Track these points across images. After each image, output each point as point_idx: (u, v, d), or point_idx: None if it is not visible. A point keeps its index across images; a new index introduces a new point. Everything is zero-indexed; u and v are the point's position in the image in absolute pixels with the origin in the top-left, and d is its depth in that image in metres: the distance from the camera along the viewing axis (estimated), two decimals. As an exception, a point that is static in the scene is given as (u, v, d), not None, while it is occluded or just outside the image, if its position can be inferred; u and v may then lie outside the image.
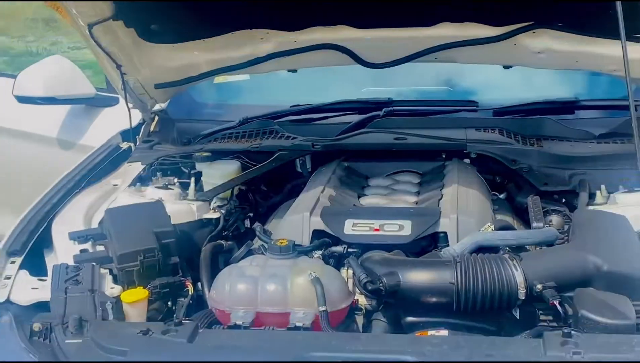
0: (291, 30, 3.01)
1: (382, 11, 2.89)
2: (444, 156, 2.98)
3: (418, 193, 2.77)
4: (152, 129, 3.25)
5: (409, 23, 2.96)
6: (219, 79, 3.44)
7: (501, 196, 2.90)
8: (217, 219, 2.69)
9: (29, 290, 2.25)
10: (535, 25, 2.90)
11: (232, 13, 2.95)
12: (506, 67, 3.19)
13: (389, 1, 2.84)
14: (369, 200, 2.75)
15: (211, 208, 2.77)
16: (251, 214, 2.85)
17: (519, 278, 2.09)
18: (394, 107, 3.17)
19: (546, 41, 2.98)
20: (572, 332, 1.87)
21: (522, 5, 2.83)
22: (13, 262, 2.36)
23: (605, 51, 2.88)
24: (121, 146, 3.18)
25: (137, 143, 3.17)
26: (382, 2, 2.85)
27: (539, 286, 2.09)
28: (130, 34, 2.92)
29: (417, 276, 2.14)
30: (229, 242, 2.60)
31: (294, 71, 3.26)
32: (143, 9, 2.84)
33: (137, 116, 3.19)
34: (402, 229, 2.40)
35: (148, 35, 2.96)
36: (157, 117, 3.31)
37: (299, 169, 3.07)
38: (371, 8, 2.88)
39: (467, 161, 2.94)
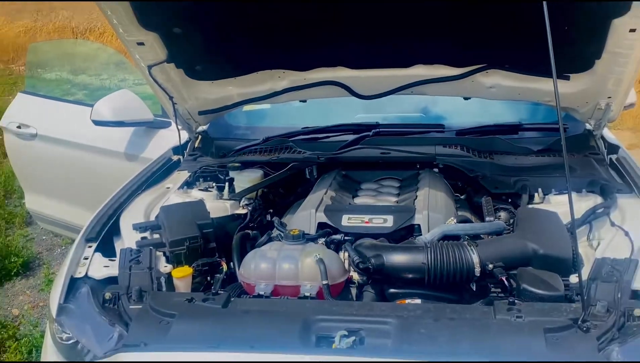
0: (302, 70, 2.99)
1: (370, 56, 2.88)
2: (418, 166, 2.96)
3: (398, 195, 2.77)
4: (196, 145, 3.24)
5: (391, 65, 2.93)
6: (247, 107, 3.41)
7: (462, 197, 2.90)
8: (245, 214, 2.70)
9: (102, 267, 2.27)
10: (488, 67, 2.87)
11: (257, 58, 2.95)
12: (466, 98, 3.14)
13: (376, 48, 2.82)
14: (361, 200, 2.75)
15: (241, 205, 2.77)
16: (271, 211, 2.84)
17: (475, 259, 2.11)
18: (380, 129, 3.15)
19: (496, 79, 2.93)
20: (516, 301, 1.93)
21: (478, 51, 2.82)
22: (90, 246, 2.37)
23: (541, 87, 2.88)
24: (172, 158, 3.18)
25: (185, 156, 3.18)
26: (370, 49, 2.84)
27: (490, 266, 2.11)
28: (179, 74, 2.91)
29: (397, 258, 2.17)
30: (254, 232, 2.60)
31: (304, 101, 3.23)
32: (189, 55, 2.84)
33: (184, 136, 3.20)
34: (386, 222, 2.42)
35: (193, 74, 2.95)
36: (200, 137, 3.32)
37: (307, 176, 3.06)
38: (363, 53, 2.87)
39: (436, 170, 2.94)
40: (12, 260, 4.60)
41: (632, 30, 2.32)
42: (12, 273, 4.57)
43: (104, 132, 3.80)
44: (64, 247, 5.07)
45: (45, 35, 17.80)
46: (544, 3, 1.83)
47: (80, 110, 3.99)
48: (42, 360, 2.25)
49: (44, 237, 5.22)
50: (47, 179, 4.27)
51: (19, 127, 4.21)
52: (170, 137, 3.48)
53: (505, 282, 2.09)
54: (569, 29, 2.38)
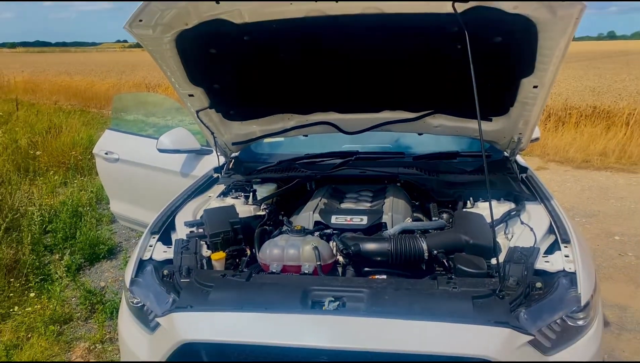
0: (304, 114, 2.94)
1: (352, 105, 2.83)
2: (386, 182, 2.90)
3: (371, 201, 2.71)
4: (230, 166, 3.18)
5: (367, 110, 2.87)
6: (266, 140, 3.42)
7: (417, 203, 2.82)
8: (264, 215, 2.64)
9: (162, 252, 2.25)
10: (434, 112, 2.82)
11: (272, 105, 2.91)
12: (420, 134, 3.08)
13: (356, 99, 2.77)
14: (345, 205, 2.69)
15: (261, 209, 2.72)
16: (282, 212, 2.75)
17: (424, 247, 2.09)
18: (360, 155, 3.07)
19: (440, 120, 2.87)
20: (452, 277, 1.93)
21: (427, 102, 2.76)
22: (154, 237, 2.35)
23: (472, 126, 2.82)
24: (214, 176, 3.12)
25: (222, 174, 3.10)
26: (352, 100, 2.78)
27: (435, 252, 2.09)
28: (218, 116, 2.85)
29: (369, 246, 2.13)
30: (270, 227, 2.52)
31: (306, 135, 3.16)
32: (225, 103, 2.79)
33: (222, 160, 3.18)
34: (362, 220, 2.37)
35: (228, 117, 2.90)
36: (233, 160, 3.24)
37: (308, 189, 2.97)
38: (347, 103, 2.82)
39: (398, 185, 2.88)
40: (101, 247, 4.56)
41: (535, 87, 2.28)
42: (100, 257, 4.53)
43: (165, 157, 3.76)
44: (137, 238, 5.01)
45: (127, 89, 17.86)
46: (471, 71, 1.84)
47: (150, 141, 3.96)
48: (119, 318, 2.20)
49: (123, 231, 5.18)
50: (125, 190, 4.24)
51: (106, 153, 4.20)
52: (213, 161, 3.43)
53: (446, 263, 2.06)
54: (491, 86, 2.33)
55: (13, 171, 6.44)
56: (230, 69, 2.53)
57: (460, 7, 1.88)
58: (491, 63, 2.20)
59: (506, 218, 2.36)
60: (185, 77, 2.47)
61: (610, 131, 8.14)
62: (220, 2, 1.98)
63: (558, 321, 1.77)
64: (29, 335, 3.31)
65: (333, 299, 1.78)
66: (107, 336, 3.30)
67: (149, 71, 27.31)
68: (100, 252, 4.53)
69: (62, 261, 4.16)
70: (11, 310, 3.58)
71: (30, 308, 3.57)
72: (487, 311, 1.69)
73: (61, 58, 57.45)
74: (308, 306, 1.77)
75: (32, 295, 3.75)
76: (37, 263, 4.16)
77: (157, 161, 3.87)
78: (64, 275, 3.96)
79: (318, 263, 2.05)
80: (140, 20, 2.02)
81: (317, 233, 2.31)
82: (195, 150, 3.72)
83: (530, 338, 1.65)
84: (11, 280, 3.85)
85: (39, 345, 3.19)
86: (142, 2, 1.90)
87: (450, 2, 1.86)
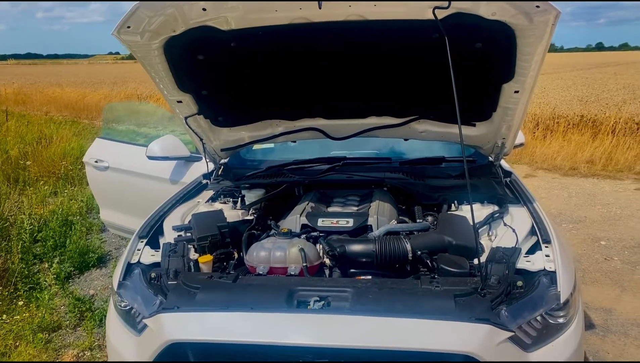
0: (292, 120, 2.95)
1: (339, 110, 2.86)
2: (372, 186, 2.89)
3: (358, 205, 2.71)
4: (219, 173, 3.17)
5: (354, 116, 2.89)
6: (255, 146, 3.40)
7: (403, 207, 2.81)
8: (252, 220, 2.65)
9: (150, 256, 2.26)
10: (419, 118, 2.85)
11: (261, 111, 2.92)
12: (405, 139, 3.10)
13: (343, 105, 2.80)
14: (332, 209, 2.68)
15: (249, 213, 2.74)
16: (271, 217, 2.72)
17: (408, 248, 2.11)
18: (347, 161, 3.07)
19: (425, 126, 2.89)
20: (435, 276, 1.96)
21: (412, 107, 2.80)
22: (142, 241, 2.36)
23: (456, 131, 2.72)
24: (203, 182, 3.14)
25: (211, 180, 3.07)
26: (339, 105, 2.81)
27: (419, 252, 2.11)
28: (207, 123, 2.87)
29: (355, 247, 2.15)
30: (258, 232, 2.52)
31: (294, 141, 3.20)
32: (214, 109, 2.80)
33: (211, 166, 3.19)
34: (348, 223, 2.38)
35: (217, 123, 2.91)
36: (222, 167, 3.24)
37: (296, 194, 2.94)
38: (334, 109, 2.84)
39: (385, 189, 2.87)
40: (90, 256, 4.54)
41: (516, 92, 2.32)
42: (90, 265, 4.51)
43: (155, 165, 3.77)
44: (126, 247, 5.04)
45: (119, 100, 17.83)
46: (452, 76, 1.88)
47: (140, 149, 3.96)
48: (106, 322, 2.21)
49: (113, 240, 5.16)
50: (115, 198, 4.23)
51: (96, 161, 4.20)
52: (202, 168, 3.42)
53: (429, 264, 2.07)
54: (473, 92, 2.37)
55: (2, 181, 6.42)
56: (218, 75, 2.55)
57: (441, 14, 1.93)
58: (472, 69, 2.24)
59: (489, 220, 2.39)
60: (173, 83, 2.50)
61: (596, 139, 8.27)
62: (207, 9, 2.03)
63: (538, 318, 1.80)
64: (17, 343, 3.30)
65: (318, 298, 1.80)
66: (96, 343, 3.29)
67: (140, 83, 27.28)
68: (90, 260, 4.51)
69: (51, 269, 4.15)
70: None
71: (18, 317, 3.56)
72: (469, 308, 1.72)
73: (53, 70, 57.26)
74: (294, 305, 1.78)
75: (20, 303, 3.73)
76: (25, 272, 4.15)
77: (147, 169, 3.87)
78: (53, 283, 3.95)
79: (304, 264, 2.06)
80: (129, 27, 2.05)
81: (303, 236, 2.32)
82: (184, 157, 3.73)
83: (510, 334, 1.68)
84: (0, 287, 3.84)
85: (27, 352, 3.18)
86: (130, 8, 1.94)
87: (431, 9, 1.91)
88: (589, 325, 3.35)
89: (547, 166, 7.86)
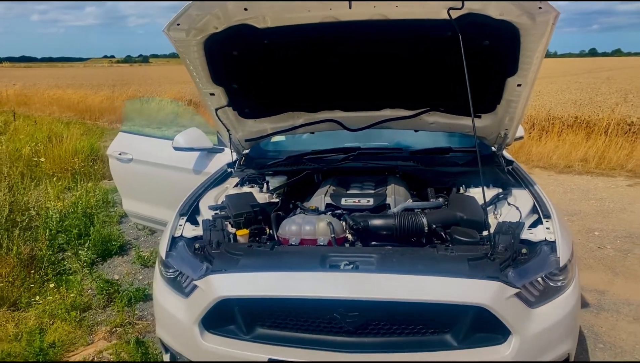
0: (312, 112, 3.14)
1: (356, 103, 3.04)
2: (386, 173, 3.07)
3: (374, 189, 2.87)
4: (241, 162, 3.39)
5: (369, 109, 3.07)
6: (275, 138, 3.60)
7: (414, 193, 2.96)
8: (277, 202, 2.85)
9: (191, 231, 2.48)
10: (430, 110, 3.02)
11: (283, 104, 3.11)
12: (416, 130, 3.26)
13: (359, 98, 2.98)
14: (351, 191, 2.86)
15: (274, 197, 2.95)
16: (292, 200, 2.92)
17: (425, 221, 2.32)
18: (361, 151, 3.26)
19: (435, 118, 3.07)
20: (449, 245, 2.18)
21: (423, 100, 2.98)
22: (182, 218, 2.56)
23: (463, 122, 3.02)
24: (228, 170, 3.33)
25: (235, 169, 3.30)
26: (355, 98, 2.99)
27: (434, 226, 2.32)
28: (234, 114, 3.05)
29: (377, 222, 2.35)
30: (283, 214, 2.68)
31: (313, 133, 3.38)
32: (241, 102, 2.99)
33: (235, 156, 3.31)
34: (369, 202, 2.60)
35: (243, 115, 3.09)
36: (244, 157, 3.44)
37: (315, 180, 3.13)
38: (351, 102, 3.03)
39: (397, 176, 3.05)
40: (113, 244, 4.76)
41: (519, 85, 2.53)
42: (113, 253, 4.72)
43: (178, 156, 3.93)
44: (144, 237, 5.24)
45: (120, 101, 17.97)
46: (465, 71, 2.09)
47: (161, 142, 4.16)
48: (154, 290, 2.41)
49: (131, 231, 5.36)
50: (138, 188, 4.41)
51: (120, 154, 4.39)
52: (223, 159, 3.70)
53: (443, 236, 2.30)
54: (480, 85, 2.48)
55: (17, 177, 6.62)
56: (248, 70, 2.78)
57: (455, 14, 2.19)
58: (480, 64, 2.45)
59: (495, 200, 2.63)
60: (208, 77, 2.73)
61: (590, 139, 8.57)
62: (248, 9, 2.28)
63: (540, 280, 2.05)
64: (52, 322, 3.52)
65: (347, 262, 2.04)
66: (127, 320, 3.52)
67: (140, 85, 27.54)
68: (112, 248, 4.73)
69: (81, 253, 4.39)
70: (32, 299, 3.79)
71: (50, 298, 3.78)
72: (481, 269, 1.97)
73: (49, 72, 57.27)
74: (327, 267, 2.02)
75: (51, 285, 3.96)
76: (52, 258, 4.38)
77: (170, 160, 4.06)
78: (80, 268, 4.18)
79: (332, 235, 2.30)
80: (178, 25, 2.31)
81: (329, 213, 2.55)
82: (207, 148, 3.92)
83: (516, 291, 1.93)
84: (31, 272, 4.06)
85: (63, 328, 3.40)
86: (182, 7, 2.20)
87: (446, 9, 2.17)
88: (584, 304, 3.60)
89: (543, 164, 8.15)
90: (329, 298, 1.93)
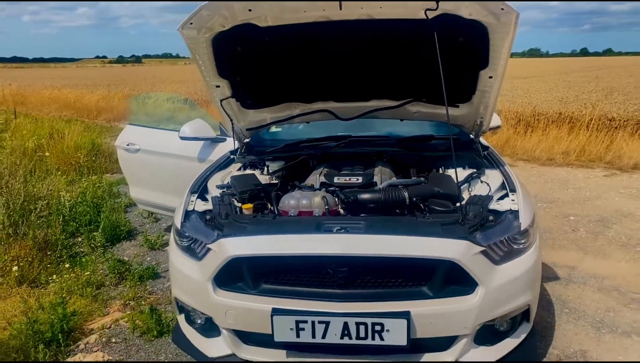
0: (308, 103, 3.39)
1: (347, 94, 3.29)
2: (374, 158, 3.32)
3: (364, 171, 3.14)
4: (243, 150, 3.61)
5: (358, 100, 3.33)
6: (273, 128, 3.85)
7: (399, 175, 3.18)
8: (277, 183, 3.16)
9: (202, 205, 2.77)
10: (413, 100, 3.28)
11: (281, 96, 3.36)
12: (401, 120, 3.50)
13: (350, 90, 3.24)
14: (343, 173, 3.15)
15: (273, 179, 3.27)
16: (290, 182, 3.17)
17: (406, 195, 2.64)
18: (352, 138, 3.51)
19: (418, 108, 3.32)
20: (427, 214, 2.50)
21: (406, 91, 3.24)
22: (194, 195, 2.85)
23: (444, 112, 3.07)
24: (231, 157, 3.58)
25: (237, 156, 3.55)
26: (347, 90, 3.25)
27: (414, 199, 2.64)
28: (237, 105, 3.30)
29: (365, 196, 2.67)
30: (280, 193, 2.91)
31: (308, 122, 3.63)
32: (243, 93, 3.23)
33: (236, 144, 3.59)
34: (358, 180, 2.92)
35: (245, 105, 3.33)
36: (245, 145, 3.66)
37: (311, 165, 3.39)
38: (343, 93, 3.29)
39: (384, 160, 3.31)
40: (121, 229, 5.07)
41: (490, 77, 2.84)
42: (121, 238, 5.03)
43: (183, 145, 4.22)
44: (149, 224, 5.55)
45: (117, 100, 18.28)
46: (440, 67, 2.45)
47: (166, 133, 4.46)
48: (170, 256, 2.72)
49: (136, 219, 5.67)
50: (145, 177, 4.69)
51: (128, 145, 4.69)
52: (225, 148, 3.98)
53: (422, 206, 2.62)
54: (457, 78, 2.85)
55: (28, 169, 6.91)
56: (250, 64, 3.09)
57: (431, 14, 2.53)
58: (456, 59, 2.79)
59: (469, 179, 2.98)
60: (215, 70, 3.04)
61: (572, 133, 8.97)
62: (252, 9, 2.62)
63: (504, 241, 2.38)
64: (69, 297, 3.84)
65: (339, 227, 2.36)
66: (138, 294, 3.85)
67: (135, 84, 27.75)
68: (120, 233, 5.04)
69: (95, 235, 4.72)
70: (50, 278, 4.10)
71: (67, 276, 4.10)
72: (452, 231, 2.31)
73: (42, 73, 57.24)
74: (322, 231, 2.35)
75: (66, 266, 4.27)
76: (65, 242, 4.70)
77: (175, 149, 4.36)
78: (92, 250, 4.50)
79: (326, 207, 2.63)
80: (191, 24, 2.64)
81: (323, 189, 2.87)
82: (211, 138, 4.24)
83: (482, 249, 2.28)
84: (48, 252, 4.38)
85: (80, 302, 3.73)
86: (195, 8, 2.54)
87: (424, 10, 2.51)
88: (554, 278, 3.98)
89: (526, 157, 8.54)
90: (323, 255, 2.27)
